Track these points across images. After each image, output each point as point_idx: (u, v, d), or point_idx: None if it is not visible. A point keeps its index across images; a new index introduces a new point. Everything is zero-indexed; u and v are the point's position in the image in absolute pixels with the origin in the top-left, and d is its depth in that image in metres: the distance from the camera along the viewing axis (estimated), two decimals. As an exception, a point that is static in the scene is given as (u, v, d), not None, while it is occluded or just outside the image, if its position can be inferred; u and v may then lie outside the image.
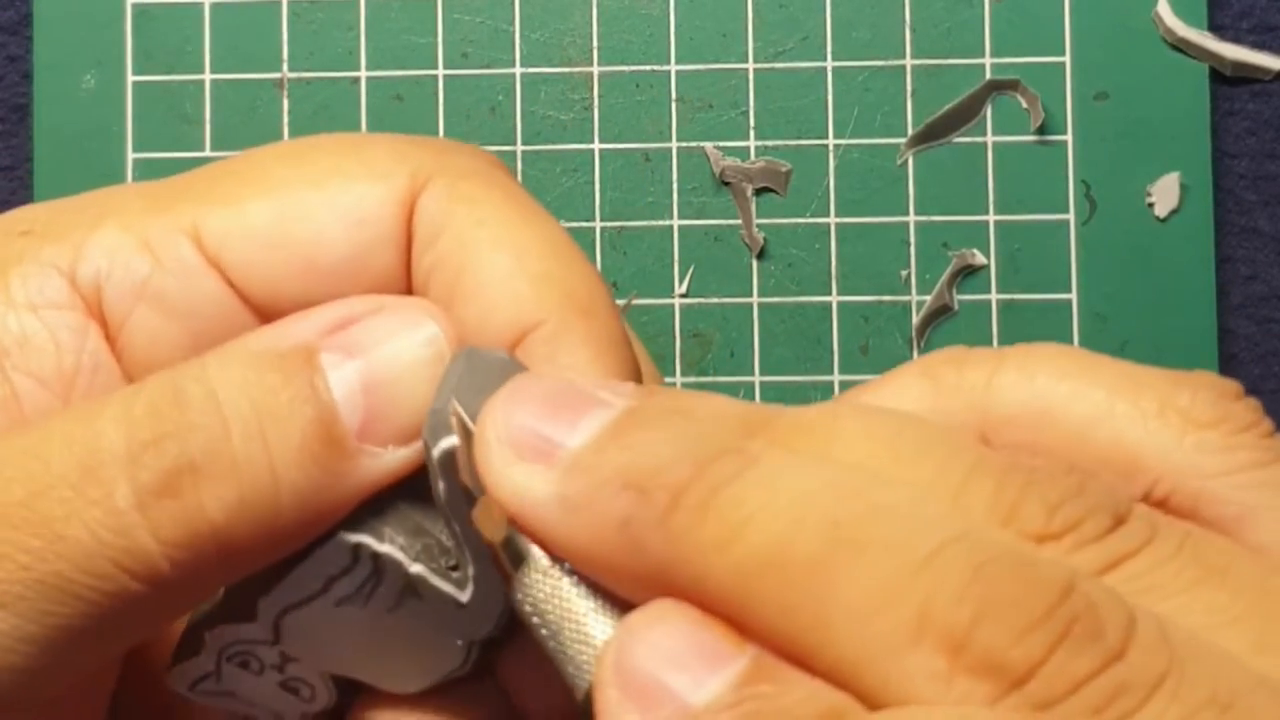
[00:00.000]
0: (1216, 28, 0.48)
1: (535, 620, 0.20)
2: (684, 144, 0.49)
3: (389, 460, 0.22)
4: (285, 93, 0.49)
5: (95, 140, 0.49)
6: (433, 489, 0.22)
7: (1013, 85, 0.48)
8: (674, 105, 0.49)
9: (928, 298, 0.48)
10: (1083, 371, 0.21)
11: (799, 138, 0.49)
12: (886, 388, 0.23)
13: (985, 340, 0.48)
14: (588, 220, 0.49)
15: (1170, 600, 0.18)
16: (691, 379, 0.49)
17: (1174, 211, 0.48)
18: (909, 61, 0.49)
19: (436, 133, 0.49)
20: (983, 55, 0.49)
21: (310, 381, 0.22)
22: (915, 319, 0.48)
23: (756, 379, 0.49)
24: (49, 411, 0.23)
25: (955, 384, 0.22)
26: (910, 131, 0.49)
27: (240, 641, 0.24)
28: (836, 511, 0.18)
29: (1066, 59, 0.48)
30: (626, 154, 0.49)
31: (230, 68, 0.49)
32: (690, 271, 0.49)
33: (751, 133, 0.49)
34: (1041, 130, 0.48)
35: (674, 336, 0.49)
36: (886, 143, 0.49)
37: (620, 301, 0.48)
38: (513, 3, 0.49)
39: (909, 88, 0.49)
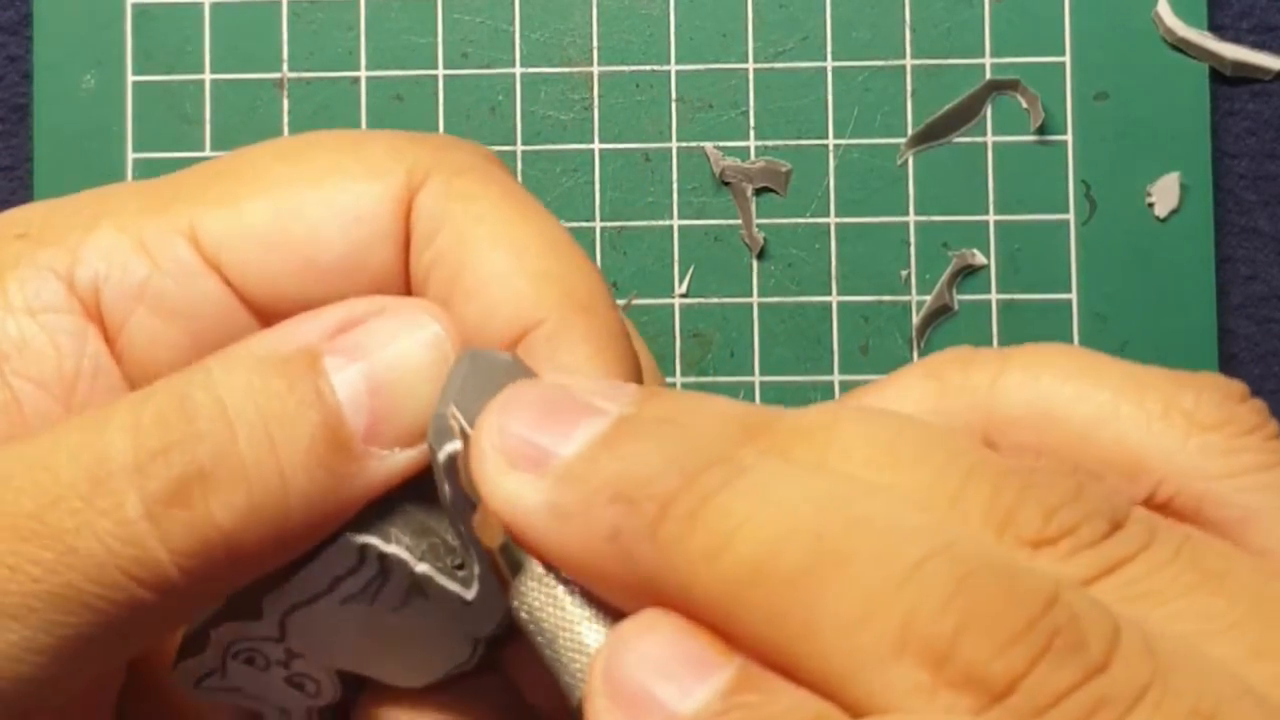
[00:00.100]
0: (1216, 28, 0.48)
1: (531, 627, 0.20)
2: (684, 144, 0.49)
3: (394, 462, 0.22)
4: (285, 93, 0.49)
5: (95, 140, 0.49)
6: (438, 491, 0.22)
7: (1013, 85, 0.48)
8: (674, 105, 0.49)
9: (928, 298, 0.48)
10: (1087, 372, 0.21)
11: (799, 138, 0.49)
12: (891, 388, 0.23)
13: (985, 340, 0.48)
14: (588, 220, 0.49)
15: (1166, 606, 0.18)
16: (691, 379, 0.49)
17: (1174, 211, 0.48)
18: (909, 61, 0.49)
19: (436, 133, 0.49)
20: (983, 55, 0.49)
21: (315, 385, 0.22)
22: (915, 319, 0.48)
23: (756, 379, 0.48)
24: (51, 416, 0.23)
25: (960, 385, 0.22)
26: (910, 131, 0.49)
27: (246, 639, 0.24)
28: (822, 523, 0.18)
29: (1066, 59, 0.48)
30: (626, 154, 0.49)
31: (230, 68, 0.49)
32: (690, 271, 0.49)
33: (751, 133, 0.49)
34: (1041, 130, 0.48)
35: (674, 336, 0.49)
36: (886, 143, 0.49)
37: (620, 301, 0.48)
38: (513, 3, 0.49)
39: (909, 88, 0.49)
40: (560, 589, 0.20)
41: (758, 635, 0.18)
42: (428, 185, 0.24)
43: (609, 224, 0.49)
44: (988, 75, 0.49)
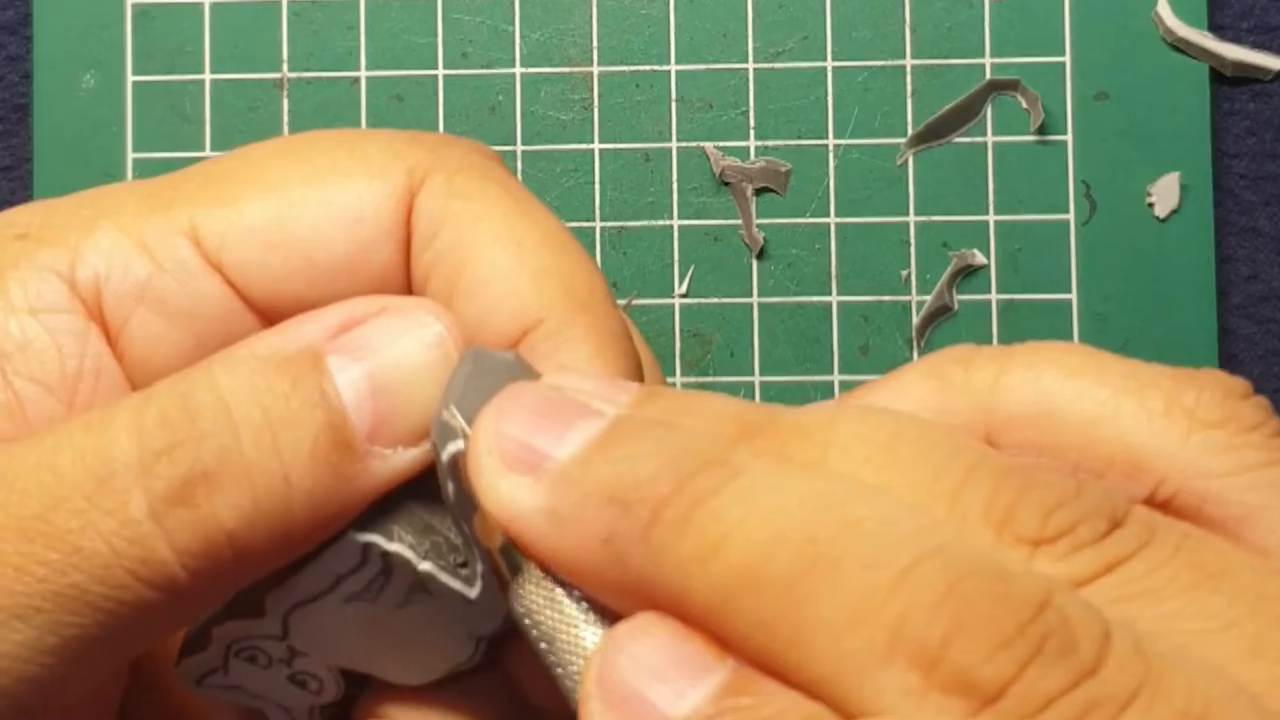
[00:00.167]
0: (1216, 28, 0.48)
1: (530, 628, 0.20)
2: (684, 144, 0.49)
3: (398, 461, 0.22)
4: (285, 93, 0.49)
5: (95, 140, 0.49)
6: (441, 490, 0.22)
7: (1013, 85, 0.48)
8: (674, 105, 0.49)
9: (928, 298, 0.48)
10: (1089, 370, 0.21)
11: (799, 138, 0.49)
12: (892, 387, 0.23)
13: (985, 341, 0.48)
14: (588, 220, 0.49)
15: (1164, 605, 0.18)
16: (691, 379, 0.49)
17: (1174, 211, 0.48)
18: (909, 61, 0.49)
19: (436, 131, 0.49)
20: (983, 55, 0.49)
21: (319, 385, 0.22)
22: (915, 319, 0.48)
23: (756, 379, 0.48)
24: (53, 417, 0.23)
25: (962, 383, 0.22)
26: (910, 131, 0.49)
27: (248, 637, 0.24)
28: (814, 526, 0.18)
29: (1066, 59, 0.48)
30: (626, 154, 0.49)
31: (230, 68, 0.49)
32: (690, 271, 0.49)
33: (751, 133, 0.49)
34: (1041, 130, 0.48)
35: (674, 336, 0.49)
36: (886, 143, 0.49)
37: (620, 302, 0.48)
38: (513, 3, 0.49)
39: (909, 88, 0.49)
40: (558, 591, 0.20)
41: (750, 638, 0.18)
42: (428, 184, 0.24)
43: (609, 224, 0.49)
44: (988, 75, 0.49)
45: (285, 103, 0.49)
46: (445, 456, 0.21)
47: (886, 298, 0.48)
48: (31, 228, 0.24)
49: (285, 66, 0.49)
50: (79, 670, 0.21)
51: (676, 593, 0.18)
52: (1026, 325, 0.48)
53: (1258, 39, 0.49)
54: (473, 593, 0.23)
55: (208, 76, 0.49)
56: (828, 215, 0.49)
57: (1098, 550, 0.18)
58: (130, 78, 0.49)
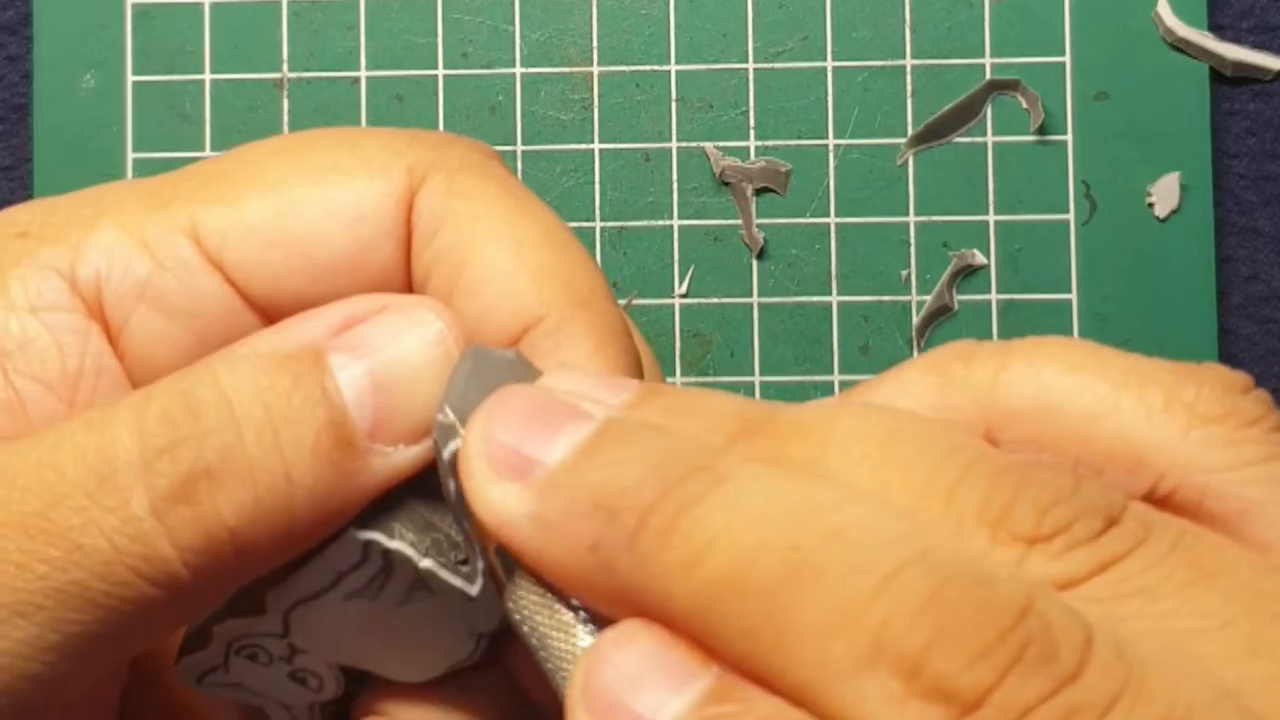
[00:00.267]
0: (1216, 28, 0.49)
1: (525, 629, 0.21)
2: (684, 144, 0.49)
3: (399, 459, 0.22)
4: (285, 93, 0.49)
5: (95, 140, 0.49)
6: (442, 488, 0.22)
7: (1013, 85, 0.48)
8: (674, 105, 0.49)
9: (928, 298, 0.48)
10: (1089, 365, 0.21)
11: (799, 138, 0.49)
12: (892, 383, 0.23)
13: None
14: (588, 220, 0.49)
15: (1160, 603, 0.18)
16: (691, 379, 0.49)
17: (1174, 211, 0.48)
18: (909, 61, 0.49)
19: (436, 130, 0.49)
20: (983, 55, 0.49)
21: (320, 383, 0.22)
22: (915, 319, 0.48)
23: (756, 379, 0.49)
24: (54, 415, 0.23)
25: (962, 379, 0.22)
26: (910, 131, 0.49)
27: (249, 634, 0.24)
28: (798, 534, 0.18)
29: (1066, 59, 0.49)
30: (626, 154, 0.49)
31: (230, 68, 0.49)
32: (690, 271, 0.49)
33: (751, 133, 0.49)
34: (1041, 130, 0.48)
35: (674, 336, 0.49)
36: (886, 143, 0.49)
37: (620, 302, 0.48)
38: (513, 3, 0.49)
39: (909, 88, 0.49)
40: (550, 594, 0.20)
41: (734, 646, 0.18)
42: (428, 183, 0.24)
43: (609, 224, 0.49)
44: (988, 75, 0.49)
45: (285, 103, 0.49)
46: (446, 454, 0.21)
47: (886, 298, 0.48)
48: (32, 226, 0.24)
49: (285, 66, 0.49)
50: (80, 667, 0.21)
51: (662, 600, 0.18)
52: (1026, 325, 0.48)
53: (1258, 39, 0.49)
54: (473, 590, 0.23)
55: (208, 76, 0.49)
56: (828, 215, 0.49)
57: (1093, 548, 0.18)
58: (130, 78, 0.49)
